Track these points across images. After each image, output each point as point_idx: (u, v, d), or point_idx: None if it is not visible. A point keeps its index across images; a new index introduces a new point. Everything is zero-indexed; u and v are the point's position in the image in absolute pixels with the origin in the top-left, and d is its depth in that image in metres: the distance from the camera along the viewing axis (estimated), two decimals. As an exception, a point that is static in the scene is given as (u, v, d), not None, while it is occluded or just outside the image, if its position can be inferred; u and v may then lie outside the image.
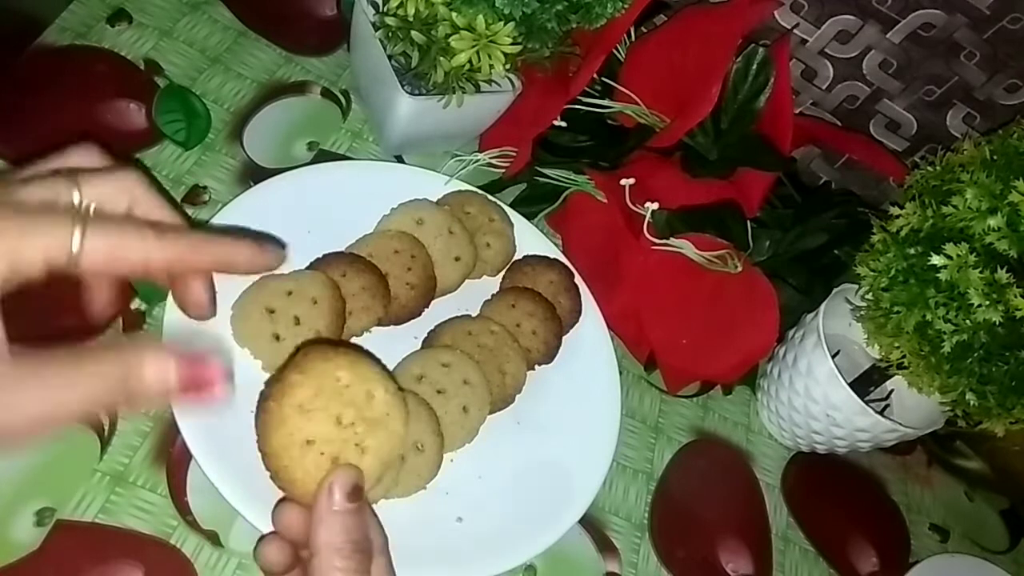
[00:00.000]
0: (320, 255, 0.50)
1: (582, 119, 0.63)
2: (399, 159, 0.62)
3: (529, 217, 0.60)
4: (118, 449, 0.44)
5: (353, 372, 0.36)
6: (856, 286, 0.57)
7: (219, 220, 0.49)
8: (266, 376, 0.42)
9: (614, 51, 0.63)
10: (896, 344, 0.53)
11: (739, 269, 0.57)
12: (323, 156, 0.59)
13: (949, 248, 0.46)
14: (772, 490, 0.62)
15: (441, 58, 0.52)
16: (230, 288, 0.46)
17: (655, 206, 0.57)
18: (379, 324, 0.50)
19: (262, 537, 0.35)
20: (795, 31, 0.67)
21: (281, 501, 0.35)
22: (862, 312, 0.56)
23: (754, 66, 0.62)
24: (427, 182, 0.57)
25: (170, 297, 0.41)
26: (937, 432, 0.59)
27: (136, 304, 0.48)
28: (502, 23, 0.50)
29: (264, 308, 0.45)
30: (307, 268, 0.49)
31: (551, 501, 0.49)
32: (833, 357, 0.57)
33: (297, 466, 0.34)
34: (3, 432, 0.26)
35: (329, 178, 0.54)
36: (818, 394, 0.58)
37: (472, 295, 0.55)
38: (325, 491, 0.32)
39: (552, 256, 0.58)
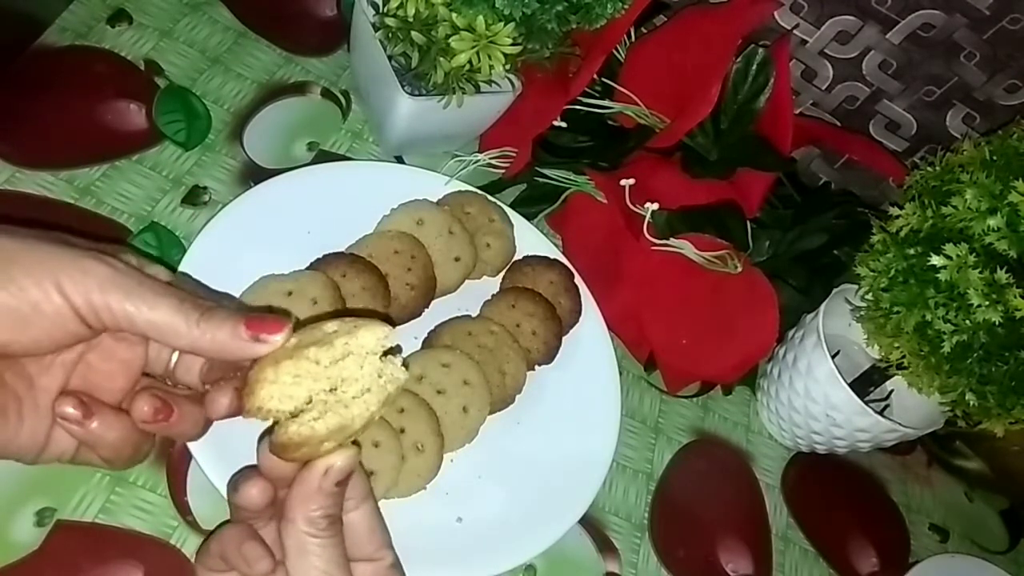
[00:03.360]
0: (320, 255, 0.50)
1: (582, 119, 0.63)
2: (399, 159, 0.62)
3: (529, 217, 0.60)
4: (118, 449, 0.44)
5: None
6: (856, 286, 0.57)
7: (219, 220, 0.49)
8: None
9: (614, 51, 0.63)
10: (896, 344, 0.53)
11: (739, 269, 0.57)
12: (323, 156, 0.59)
13: (949, 248, 0.46)
14: (772, 490, 0.62)
15: (441, 58, 0.52)
16: (230, 289, 0.46)
17: (655, 206, 0.57)
18: (379, 324, 0.50)
19: (243, 472, 0.33)
20: (795, 31, 0.67)
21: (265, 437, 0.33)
22: (862, 312, 0.56)
23: (754, 66, 0.62)
24: (427, 182, 0.57)
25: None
26: (937, 432, 0.59)
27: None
28: (502, 24, 0.50)
29: (264, 308, 0.45)
30: (307, 268, 0.49)
31: (551, 501, 0.49)
32: (833, 357, 0.57)
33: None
34: (126, 327, 0.30)
35: (329, 178, 0.54)
36: (818, 394, 0.58)
37: (472, 295, 0.55)
38: (319, 470, 0.31)
39: (552, 256, 0.58)
